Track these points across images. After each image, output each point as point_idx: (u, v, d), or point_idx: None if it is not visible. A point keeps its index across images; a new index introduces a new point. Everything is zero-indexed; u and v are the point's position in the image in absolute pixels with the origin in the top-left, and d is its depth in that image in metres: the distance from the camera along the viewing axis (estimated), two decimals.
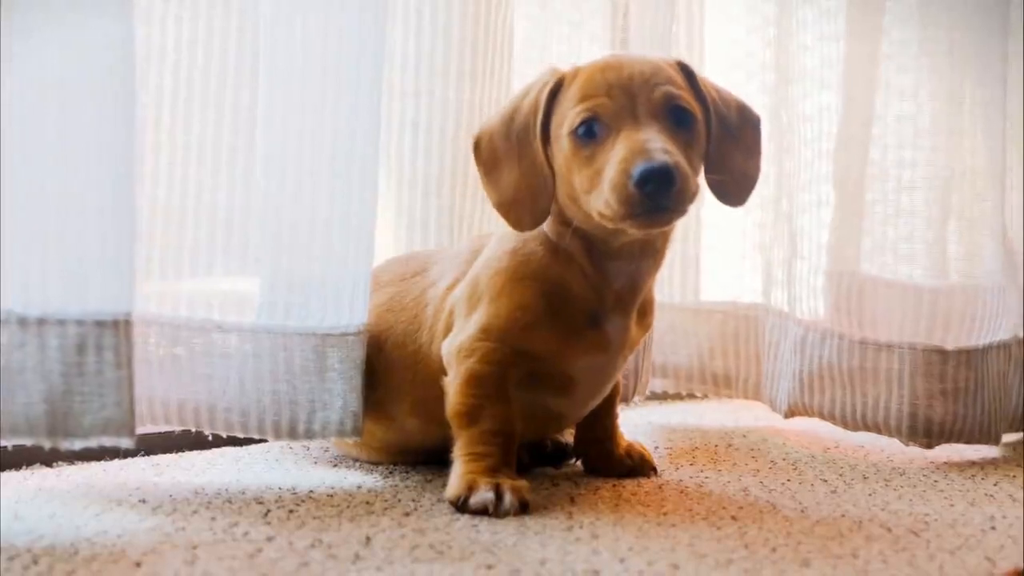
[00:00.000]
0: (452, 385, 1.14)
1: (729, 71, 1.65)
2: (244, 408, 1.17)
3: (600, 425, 1.27)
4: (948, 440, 1.43)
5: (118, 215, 1.02)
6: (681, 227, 1.61)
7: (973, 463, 1.40)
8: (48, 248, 1.00)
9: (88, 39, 1.00)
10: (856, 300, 1.48)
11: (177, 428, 1.19)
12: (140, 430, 1.28)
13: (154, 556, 0.91)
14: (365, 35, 1.17)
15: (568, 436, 1.33)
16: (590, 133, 1.07)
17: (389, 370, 1.21)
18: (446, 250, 1.30)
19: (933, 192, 1.48)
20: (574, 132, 1.08)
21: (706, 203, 1.66)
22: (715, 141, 1.13)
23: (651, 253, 1.15)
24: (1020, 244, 1.59)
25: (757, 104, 1.59)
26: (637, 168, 1.01)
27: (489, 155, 1.15)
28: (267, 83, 1.17)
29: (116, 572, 0.87)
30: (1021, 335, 1.52)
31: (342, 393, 1.18)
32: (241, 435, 1.19)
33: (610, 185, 1.03)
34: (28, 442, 1.00)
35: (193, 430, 1.19)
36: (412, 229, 1.40)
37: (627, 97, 1.07)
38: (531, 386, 1.15)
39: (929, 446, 1.43)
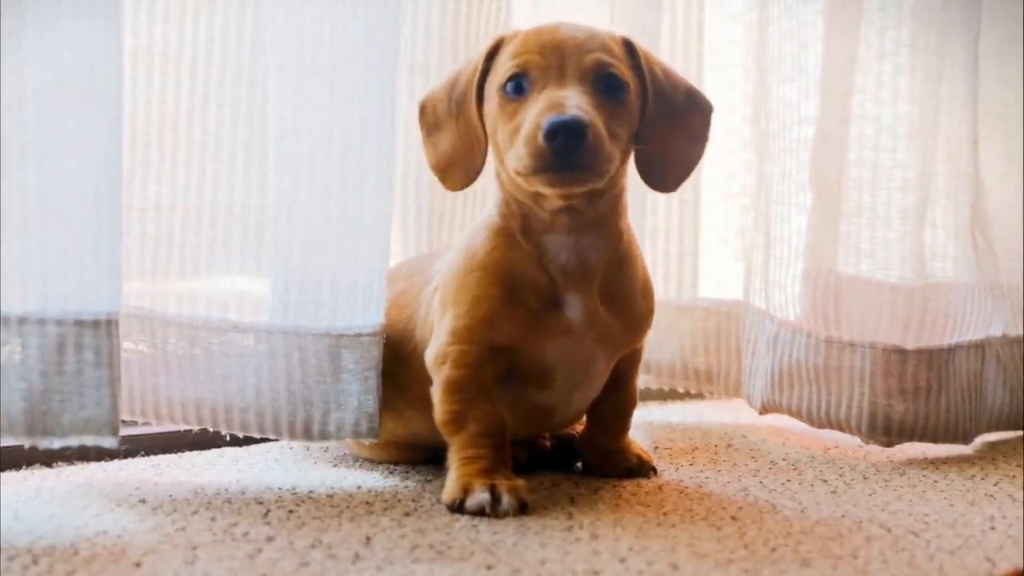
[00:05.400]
0: (435, 394, 1.14)
1: (726, 69, 1.65)
2: (260, 408, 1.18)
3: (604, 427, 1.26)
4: (909, 439, 1.43)
5: (102, 215, 1.02)
6: (664, 224, 1.63)
7: (973, 463, 1.40)
8: (30, 247, 1.00)
9: (72, 38, 1.00)
10: (825, 299, 1.48)
11: (195, 427, 1.20)
12: (143, 430, 1.29)
13: (154, 556, 0.91)
14: (376, 31, 1.17)
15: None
16: (518, 89, 1.09)
17: (395, 363, 1.21)
18: (445, 251, 1.30)
19: (906, 192, 1.47)
20: (503, 87, 1.09)
21: (704, 203, 1.67)
22: (653, 120, 1.13)
23: (590, 227, 1.13)
24: (998, 244, 1.59)
25: (751, 103, 1.60)
26: (547, 120, 1.02)
27: (432, 118, 1.18)
28: (277, 81, 1.17)
29: (116, 572, 0.87)
30: (1005, 334, 1.53)
31: (357, 394, 1.18)
32: (257, 435, 1.20)
33: (524, 139, 1.04)
34: (7, 440, 1.01)
35: (196, 429, 1.20)
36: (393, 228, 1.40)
37: (558, 57, 1.08)
38: (511, 381, 1.15)
39: (889, 444, 1.44)
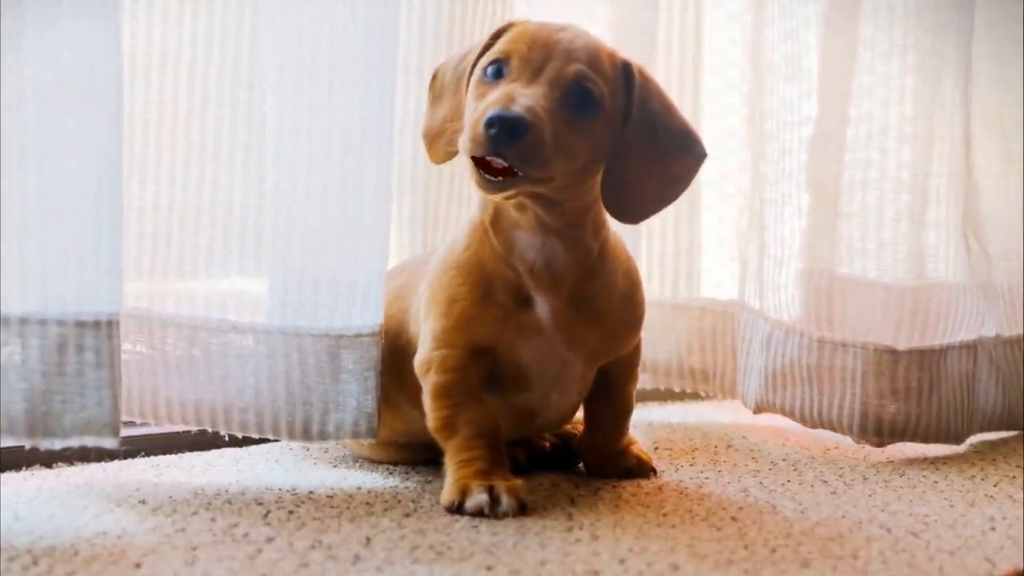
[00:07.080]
0: (425, 402, 1.14)
1: (725, 69, 1.65)
2: (259, 409, 1.18)
3: (602, 430, 1.26)
4: (901, 439, 1.44)
5: (102, 216, 1.02)
6: (661, 223, 1.63)
7: (973, 464, 1.40)
8: (30, 247, 1.00)
9: (72, 38, 1.00)
10: (819, 299, 1.49)
11: (195, 428, 1.20)
12: (143, 430, 1.29)
13: (154, 556, 0.91)
14: (375, 32, 1.17)
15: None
16: (497, 74, 1.08)
17: (393, 358, 1.21)
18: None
19: (902, 193, 1.48)
20: (484, 69, 1.09)
21: (703, 204, 1.67)
22: (631, 149, 1.11)
23: (555, 233, 1.12)
24: (995, 244, 1.59)
25: (749, 103, 1.60)
26: (491, 111, 1.02)
27: (439, 88, 1.18)
28: (276, 82, 1.17)
29: (116, 573, 0.87)
30: (999, 334, 1.53)
31: (356, 394, 1.18)
32: (256, 435, 1.20)
33: (470, 122, 1.05)
34: (8, 441, 1.01)
35: (195, 429, 1.20)
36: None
37: (542, 56, 1.08)
38: (491, 384, 1.15)
39: (880, 444, 1.44)
